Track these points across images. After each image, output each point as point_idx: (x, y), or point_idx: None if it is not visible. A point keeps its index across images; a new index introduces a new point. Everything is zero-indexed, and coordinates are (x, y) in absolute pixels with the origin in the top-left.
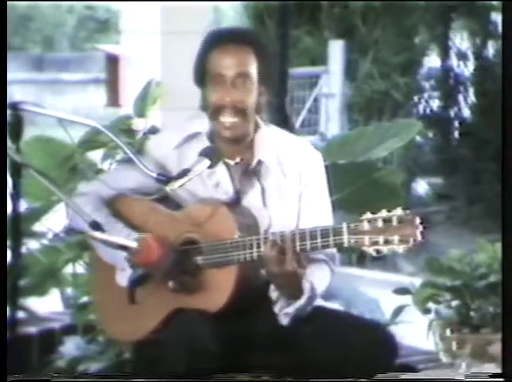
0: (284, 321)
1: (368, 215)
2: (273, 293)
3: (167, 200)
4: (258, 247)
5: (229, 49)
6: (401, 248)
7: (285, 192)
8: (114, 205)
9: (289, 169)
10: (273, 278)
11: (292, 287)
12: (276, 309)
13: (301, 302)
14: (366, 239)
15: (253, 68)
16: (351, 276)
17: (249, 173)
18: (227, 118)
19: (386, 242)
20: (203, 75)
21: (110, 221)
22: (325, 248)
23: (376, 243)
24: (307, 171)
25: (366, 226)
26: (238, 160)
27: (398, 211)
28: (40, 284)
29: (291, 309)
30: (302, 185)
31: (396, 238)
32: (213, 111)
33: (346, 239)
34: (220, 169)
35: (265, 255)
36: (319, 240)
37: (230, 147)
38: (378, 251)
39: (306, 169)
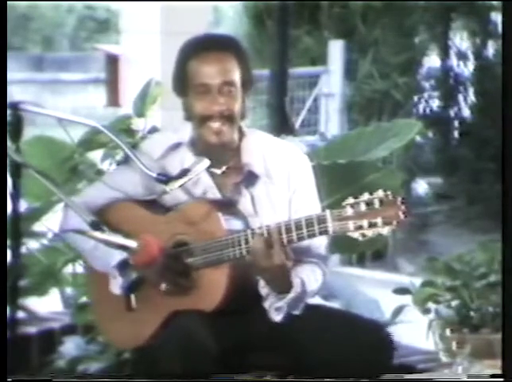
0: (275, 317)
1: (350, 200)
2: (263, 289)
3: (156, 204)
4: (247, 242)
5: (211, 57)
6: (385, 230)
7: (275, 199)
8: (105, 214)
9: (277, 176)
10: (261, 273)
11: (281, 281)
12: (266, 305)
13: (291, 295)
14: (351, 224)
15: (236, 75)
16: (351, 276)
17: (238, 182)
18: (215, 124)
19: (370, 225)
20: (184, 85)
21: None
22: (311, 237)
23: (360, 227)
24: (295, 176)
25: (349, 211)
26: (224, 169)
27: (380, 193)
28: (40, 284)
29: (281, 304)
30: (291, 191)
31: (379, 220)
32: (200, 120)
33: (330, 226)
34: (205, 178)
35: (253, 249)
36: (304, 230)
37: (214, 156)
38: (363, 235)
39: (294, 174)
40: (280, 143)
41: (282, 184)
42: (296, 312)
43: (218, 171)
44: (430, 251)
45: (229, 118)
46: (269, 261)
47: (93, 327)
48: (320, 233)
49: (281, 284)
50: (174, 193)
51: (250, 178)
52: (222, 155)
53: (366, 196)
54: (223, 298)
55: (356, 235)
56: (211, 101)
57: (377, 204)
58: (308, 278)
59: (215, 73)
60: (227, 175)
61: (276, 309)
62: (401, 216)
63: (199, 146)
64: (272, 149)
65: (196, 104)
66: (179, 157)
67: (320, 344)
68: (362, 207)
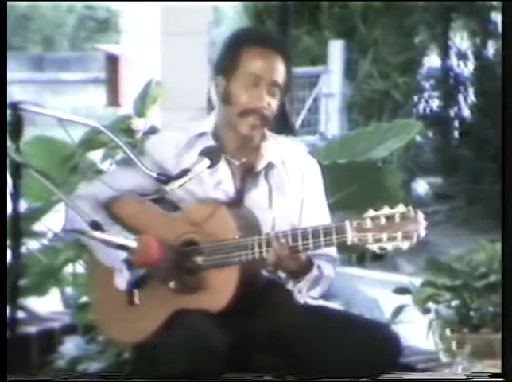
0: (299, 298)
1: (371, 212)
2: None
3: (164, 201)
4: (260, 247)
5: (267, 53)
6: (404, 245)
7: (289, 195)
8: (112, 208)
9: (293, 173)
10: (277, 269)
11: (299, 268)
12: (289, 286)
13: (311, 275)
14: (370, 236)
15: (283, 78)
16: (351, 276)
17: (255, 173)
18: (254, 120)
19: (390, 239)
20: (232, 69)
21: (107, 224)
22: (328, 246)
23: (379, 240)
24: (308, 178)
25: (369, 223)
26: (243, 160)
27: (401, 207)
28: (40, 284)
29: (301, 285)
30: (304, 191)
31: (399, 234)
32: (242, 111)
33: (349, 237)
34: (223, 168)
35: (269, 258)
36: (321, 239)
37: (235, 147)
38: (381, 248)
39: (308, 176)
40: (294, 146)
41: (297, 182)
42: (316, 295)
43: (236, 162)
44: (430, 251)
45: (266, 117)
46: (284, 267)
47: (93, 327)
48: (338, 243)
49: (299, 270)
50: (186, 185)
51: (270, 172)
52: (242, 148)
53: (386, 209)
54: (231, 299)
55: (375, 247)
56: (258, 96)
57: (397, 218)
58: (323, 265)
59: (270, 70)
60: (244, 167)
61: (298, 291)
62: (422, 231)
63: (224, 134)
64: (288, 149)
65: (242, 94)
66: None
67: (322, 344)
68: (383, 220)
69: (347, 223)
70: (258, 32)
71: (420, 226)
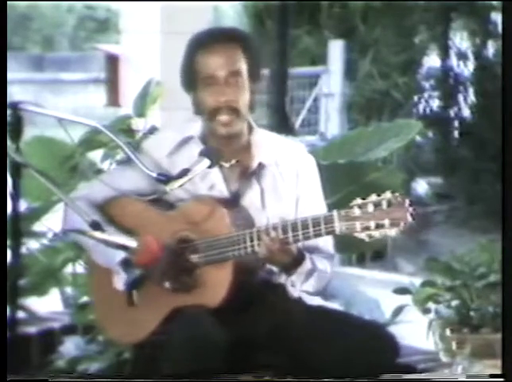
0: (293, 292)
1: (358, 200)
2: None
3: (160, 201)
4: (251, 240)
5: (217, 49)
6: (392, 232)
7: (283, 195)
8: (107, 209)
9: (287, 172)
10: (269, 263)
11: (291, 262)
12: (282, 280)
13: (304, 268)
14: (358, 224)
15: (243, 66)
16: (351, 276)
17: (247, 174)
18: (224, 117)
19: (378, 226)
20: (192, 78)
21: (104, 223)
22: (317, 237)
23: (367, 228)
24: (303, 175)
25: (356, 212)
26: (233, 162)
27: (387, 194)
28: (40, 284)
29: (295, 278)
30: (299, 189)
31: (387, 221)
32: (209, 113)
33: (337, 226)
34: (213, 171)
35: (260, 251)
36: (311, 229)
37: (224, 148)
38: (370, 236)
39: (303, 173)
40: (288, 142)
41: (291, 180)
42: (310, 289)
43: (226, 164)
44: (430, 251)
45: (237, 109)
46: (276, 260)
47: (93, 327)
48: (327, 233)
49: (291, 263)
50: (179, 189)
51: (261, 171)
52: (231, 149)
53: (373, 197)
54: (226, 295)
55: (363, 235)
56: (219, 92)
57: (384, 205)
58: (317, 260)
59: (222, 64)
60: (236, 169)
61: (291, 284)
62: (409, 217)
63: (210, 140)
64: (282, 147)
65: (205, 97)
66: (189, 152)
67: (320, 344)
68: (370, 208)
69: (335, 212)
70: (204, 33)
71: (407, 212)
